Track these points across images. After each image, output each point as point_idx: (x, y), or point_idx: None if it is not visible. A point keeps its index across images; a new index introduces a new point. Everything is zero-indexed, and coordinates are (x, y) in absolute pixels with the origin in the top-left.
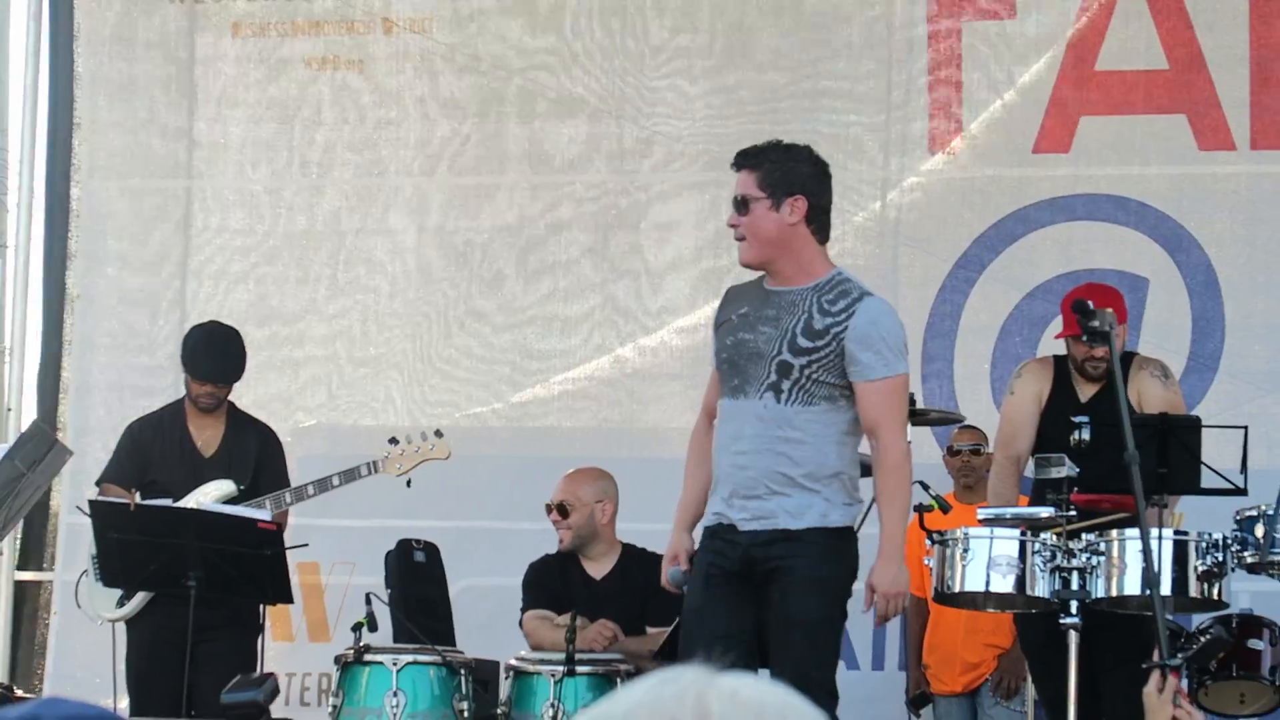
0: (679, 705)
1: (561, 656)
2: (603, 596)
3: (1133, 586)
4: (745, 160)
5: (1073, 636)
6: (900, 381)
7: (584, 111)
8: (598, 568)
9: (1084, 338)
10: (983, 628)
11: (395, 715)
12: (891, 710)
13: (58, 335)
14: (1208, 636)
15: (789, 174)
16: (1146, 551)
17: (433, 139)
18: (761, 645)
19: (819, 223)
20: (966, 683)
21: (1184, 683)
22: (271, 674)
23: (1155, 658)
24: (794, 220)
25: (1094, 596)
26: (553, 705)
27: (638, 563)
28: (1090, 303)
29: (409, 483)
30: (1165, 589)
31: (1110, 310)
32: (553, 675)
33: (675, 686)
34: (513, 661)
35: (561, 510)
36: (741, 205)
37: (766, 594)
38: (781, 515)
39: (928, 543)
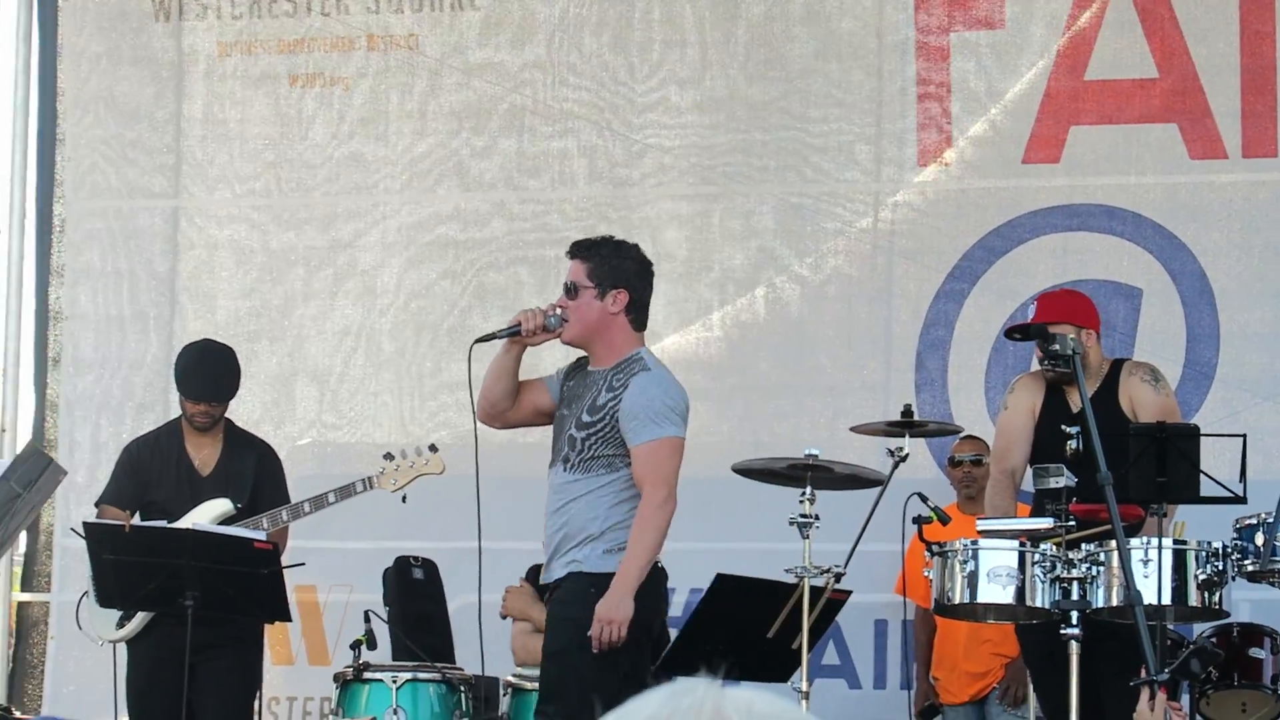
0: (696, 716)
1: None
2: None
3: None
4: (578, 251)
5: (1073, 647)
6: (662, 444)
7: (573, 124)
8: None
9: (1045, 362)
10: (990, 637)
11: None
12: None
13: (43, 353)
14: (1191, 648)
15: (616, 269)
16: (1126, 572)
17: (421, 154)
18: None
19: (637, 314)
20: (974, 692)
21: (1184, 695)
22: None
23: (1143, 674)
24: (615, 310)
25: (1094, 607)
26: None
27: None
28: (1054, 324)
29: (404, 498)
30: (1166, 598)
31: (1071, 337)
32: None
33: (691, 698)
34: (510, 679)
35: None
36: (571, 291)
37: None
38: (557, 566)
39: (927, 554)
